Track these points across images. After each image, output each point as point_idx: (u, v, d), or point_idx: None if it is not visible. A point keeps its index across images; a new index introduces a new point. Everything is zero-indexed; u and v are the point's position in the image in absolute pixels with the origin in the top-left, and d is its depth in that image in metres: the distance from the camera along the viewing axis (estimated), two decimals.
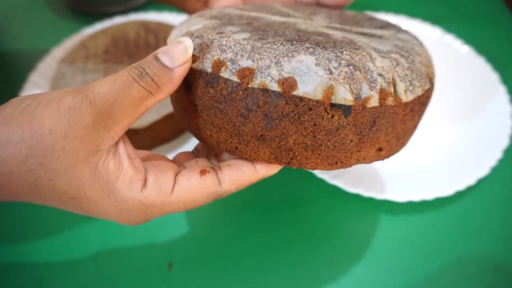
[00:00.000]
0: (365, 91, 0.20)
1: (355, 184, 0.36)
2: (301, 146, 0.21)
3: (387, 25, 0.27)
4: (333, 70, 0.20)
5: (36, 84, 0.44)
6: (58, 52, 0.47)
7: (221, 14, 0.25)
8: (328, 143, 0.21)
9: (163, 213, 0.21)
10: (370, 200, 0.37)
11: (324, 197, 0.38)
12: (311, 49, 0.20)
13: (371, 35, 0.24)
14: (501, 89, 0.42)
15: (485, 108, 0.42)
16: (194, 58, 0.22)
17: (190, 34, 0.23)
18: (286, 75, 0.20)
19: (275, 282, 0.33)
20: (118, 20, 0.51)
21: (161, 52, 0.20)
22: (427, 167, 0.38)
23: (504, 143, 0.38)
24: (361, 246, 0.35)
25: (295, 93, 0.20)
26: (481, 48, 0.50)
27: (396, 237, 0.35)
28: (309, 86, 0.20)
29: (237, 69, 0.20)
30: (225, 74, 0.21)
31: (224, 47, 0.21)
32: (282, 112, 0.20)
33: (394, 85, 0.21)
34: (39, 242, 0.35)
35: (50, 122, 0.18)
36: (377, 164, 0.38)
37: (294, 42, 0.21)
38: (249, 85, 0.20)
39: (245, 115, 0.21)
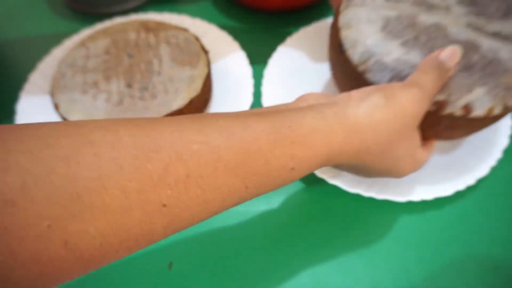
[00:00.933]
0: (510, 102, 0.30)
1: (355, 184, 0.36)
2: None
3: (508, 10, 0.33)
4: (495, 96, 0.30)
5: (37, 84, 0.44)
6: (58, 52, 0.47)
7: (382, 18, 0.32)
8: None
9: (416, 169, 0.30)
10: (370, 200, 0.37)
11: (324, 197, 0.38)
12: (483, 80, 0.30)
13: (506, 38, 0.32)
14: None
15: None
16: None
17: (389, 69, 0.30)
18: (467, 102, 0.29)
19: (275, 281, 0.33)
20: (118, 20, 0.51)
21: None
22: (427, 167, 0.38)
23: (504, 143, 0.38)
24: (361, 246, 0.35)
25: (472, 115, 0.30)
26: None
27: (396, 237, 0.35)
28: (478, 111, 0.30)
29: (433, 101, 0.30)
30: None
31: None
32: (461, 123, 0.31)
33: None
34: None
35: (410, 109, 0.26)
36: None
37: (470, 73, 0.30)
38: (444, 113, 0.30)
39: (450, 128, 0.31)
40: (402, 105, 0.26)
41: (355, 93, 0.26)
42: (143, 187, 0.17)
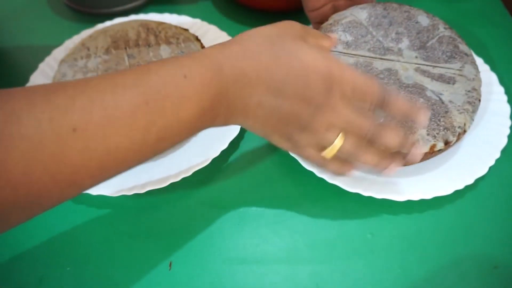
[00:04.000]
0: (451, 138, 0.35)
1: (354, 183, 0.36)
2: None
3: (452, 54, 0.39)
4: (436, 136, 0.35)
5: (37, 84, 0.44)
6: (59, 52, 0.47)
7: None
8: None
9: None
10: (370, 200, 0.37)
11: (324, 197, 0.38)
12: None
13: (448, 81, 0.38)
14: (500, 89, 0.43)
15: (484, 108, 0.42)
16: None
17: None
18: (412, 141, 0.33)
19: (275, 280, 0.33)
20: (119, 20, 0.51)
21: None
22: (426, 166, 0.38)
23: (503, 143, 0.38)
24: (361, 245, 0.35)
25: None
26: (479, 48, 0.50)
27: (395, 237, 0.35)
28: (423, 148, 0.35)
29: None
30: None
31: None
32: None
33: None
34: (40, 242, 0.36)
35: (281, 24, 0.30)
36: None
37: None
38: None
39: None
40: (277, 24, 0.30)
41: None
42: (53, 115, 0.22)
